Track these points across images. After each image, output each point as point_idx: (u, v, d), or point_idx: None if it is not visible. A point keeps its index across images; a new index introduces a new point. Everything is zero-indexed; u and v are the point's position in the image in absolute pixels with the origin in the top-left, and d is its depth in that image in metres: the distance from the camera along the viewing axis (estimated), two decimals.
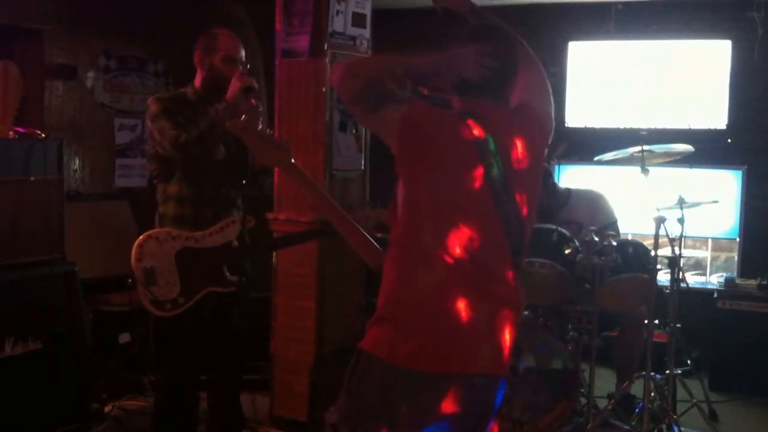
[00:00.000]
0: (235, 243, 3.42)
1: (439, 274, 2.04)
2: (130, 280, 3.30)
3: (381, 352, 2.05)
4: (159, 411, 3.56)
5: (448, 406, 2.04)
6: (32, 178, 3.83)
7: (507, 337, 2.11)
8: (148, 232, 3.36)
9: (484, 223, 2.07)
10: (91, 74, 5.35)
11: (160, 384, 3.63)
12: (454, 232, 2.05)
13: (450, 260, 2.04)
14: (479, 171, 2.05)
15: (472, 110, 2.11)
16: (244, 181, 3.45)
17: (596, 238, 3.94)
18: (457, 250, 2.04)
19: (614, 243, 4.00)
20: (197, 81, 3.53)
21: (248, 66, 3.51)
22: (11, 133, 3.98)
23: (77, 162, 5.30)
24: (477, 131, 2.07)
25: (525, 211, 2.14)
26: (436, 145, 2.08)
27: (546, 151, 2.29)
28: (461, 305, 2.03)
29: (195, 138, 3.29)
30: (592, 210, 4.51)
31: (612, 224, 4.50)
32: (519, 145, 2.14)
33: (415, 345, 2.03)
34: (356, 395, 2.10)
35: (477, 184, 2.05)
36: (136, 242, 3.31)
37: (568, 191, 4.63)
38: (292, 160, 2.53)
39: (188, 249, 3.34)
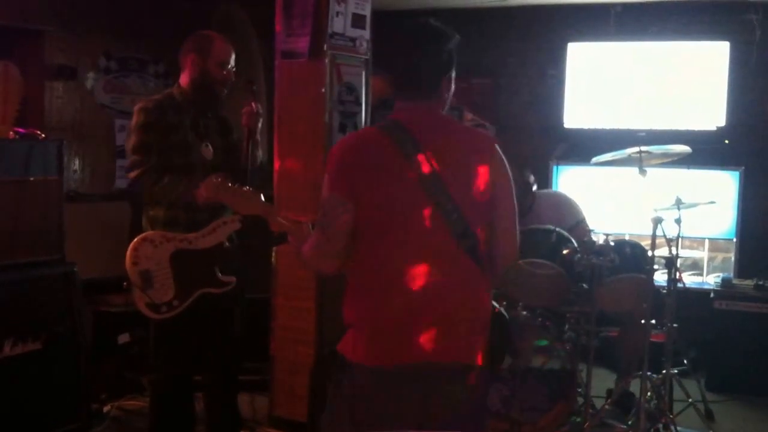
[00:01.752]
0: (227, 244, 3.42)
1: (386, 273, 2.16)
2: (125, 284, 3.28)
3: (350, 356, 2.18)
4: (155, 411, 3.56)
5: (410, 398, 2.13)
6: (32, 179, 3.83)
7: (459, 323, 2.17)
8: (142, 235, 3.32)
9: (420, 216, 2.14)
10: (91, 75, 5.36)
11: (157, 384, 3.62)
12: (393, 231, 2.15)
13: (391, 256, 2.15)
14: (407, 170, 2.13)
15: (397, 116, 2.22)
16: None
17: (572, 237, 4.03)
18: (396, 247, 2.15)
19: (612, 243, 4.01)
20: (183, 81, 3.49)
21: (234, 70, 3.49)
22: (11, 133, 3.98)
23: (77, 163, 5.31)
24: (402, 134, 2.16)
25: (472, 195, 2.17)
26: (367, 159, 2.18)
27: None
28: (407, 299, 2.14)
29: (154, 183, 3.33)
30: (557, 211, 4.54)
31: (580, 222, 4.52)
32: (454, 138, 2.23)
33: (370, 342, 2.16)
34: (331, 400, 2.25)
35: (408, 184, 2.13)
36: (131, 245, 3.27)
37: (533, 195, 4.63)
38: (263, 201, 2.60)
39: (181, 251, 3.32)
